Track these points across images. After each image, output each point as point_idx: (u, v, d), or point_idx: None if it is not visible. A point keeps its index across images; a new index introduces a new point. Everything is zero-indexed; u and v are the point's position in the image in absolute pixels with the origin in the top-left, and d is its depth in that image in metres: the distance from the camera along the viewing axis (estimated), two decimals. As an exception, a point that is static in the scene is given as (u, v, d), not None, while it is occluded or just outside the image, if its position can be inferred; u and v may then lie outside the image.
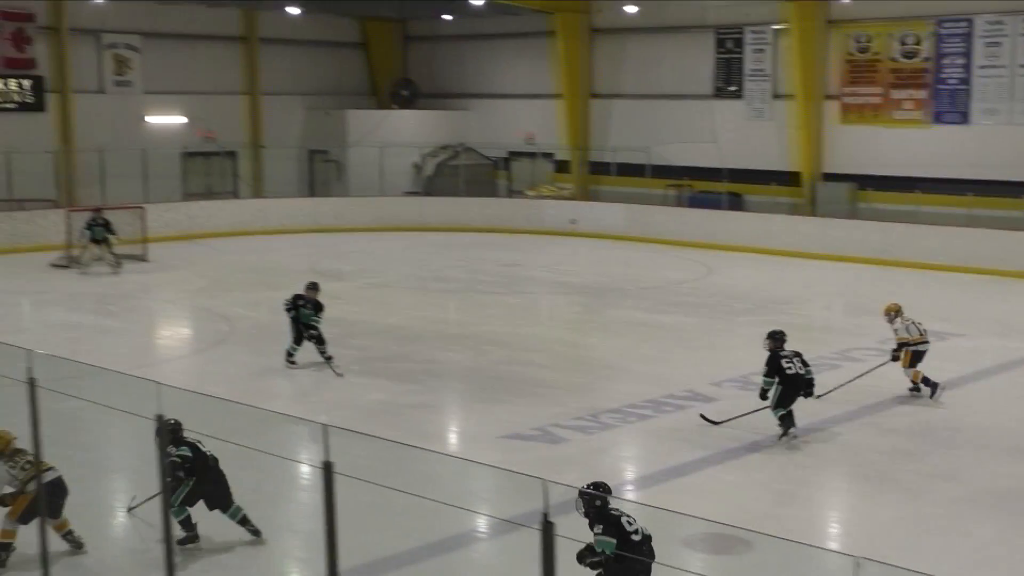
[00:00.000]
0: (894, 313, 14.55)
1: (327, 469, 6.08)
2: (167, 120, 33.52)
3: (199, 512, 9.37)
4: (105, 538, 9.93)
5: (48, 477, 9.00)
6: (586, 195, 33.50)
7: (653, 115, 32.42)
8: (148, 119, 33.17)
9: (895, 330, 14.50)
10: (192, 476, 9.25)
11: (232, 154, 34.55)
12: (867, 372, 14.82)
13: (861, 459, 12.20)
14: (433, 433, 13.50)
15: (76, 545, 9.34)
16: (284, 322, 15.92)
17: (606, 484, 7.77)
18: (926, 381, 14.35)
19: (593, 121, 33.93)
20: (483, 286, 23.92)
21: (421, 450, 10.80)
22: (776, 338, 12.82)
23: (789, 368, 12.61)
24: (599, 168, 33.52)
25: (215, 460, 9.36)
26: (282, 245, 28.99)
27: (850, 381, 14.60)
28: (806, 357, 12.82)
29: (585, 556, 7.47)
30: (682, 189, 31.35)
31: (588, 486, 7.66)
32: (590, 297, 22.80)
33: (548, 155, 34.77)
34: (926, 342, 14.48)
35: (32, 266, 24.81)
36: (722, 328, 19.36)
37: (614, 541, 7.38)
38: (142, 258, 25.98)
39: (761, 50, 30.31)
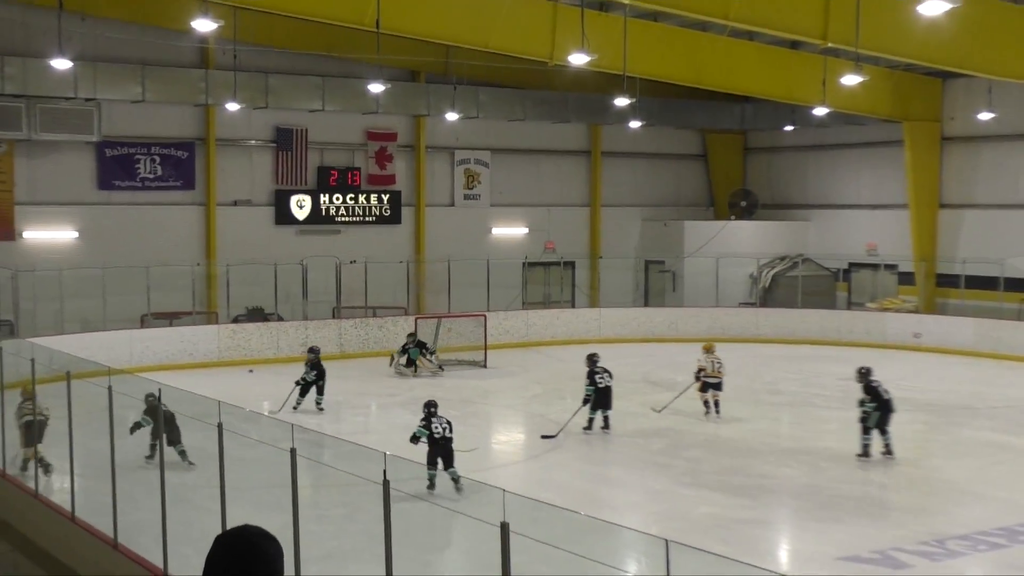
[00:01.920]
0: (708, 350, 20.50)
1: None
2: (510, 231, 34.96)
3: None
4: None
5: (29, 419, 13.76)
6: (932, 308, 32.03)
7: (1008, 225, 30.72)
8: (493, 230, 34.72)
9: (698, 360, 20.16)
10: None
11: (571, 264, 35.51)
12: (683, 392, 20.50)
13: None
14: (766, 551, 13.11)
15: (46, 467, 13.76)
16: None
17: (434, 402, 14.92)
18: (706, 404, 20.04)
19: (941, 232, 32.57)
20: (820, 400, 23.16)
21: (759, 569, 10.48)
22: (591, 359, 18.73)
23: (600, 382, 18.43)
24: (946, 280, 32.00)
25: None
26: (615, 354, 29.14)
27: (675, 399, 20.37)
28: None
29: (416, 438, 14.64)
30: (1040, 303, 29.43)
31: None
32: (934, 415, 21.62)
33: (891, 266, 33.58)
34: (717, 377, 19.99)
35: (380, 371, 26.21)
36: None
37: (426, 433, 14.41)
38: (481, 364, 26.95)
39: None
